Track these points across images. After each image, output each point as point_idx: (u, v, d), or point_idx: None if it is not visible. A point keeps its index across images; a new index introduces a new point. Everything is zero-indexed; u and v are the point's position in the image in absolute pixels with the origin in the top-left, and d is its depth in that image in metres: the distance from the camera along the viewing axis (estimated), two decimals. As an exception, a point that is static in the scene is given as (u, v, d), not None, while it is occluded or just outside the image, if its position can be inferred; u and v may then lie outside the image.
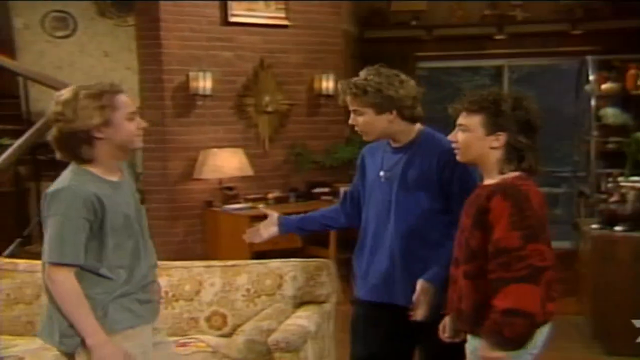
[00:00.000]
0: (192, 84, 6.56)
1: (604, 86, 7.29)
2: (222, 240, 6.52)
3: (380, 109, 2.97)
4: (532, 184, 2.59)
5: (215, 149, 6.61)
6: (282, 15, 7.12)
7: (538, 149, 2.63)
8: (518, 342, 2.45)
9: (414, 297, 2.90)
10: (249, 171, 6.76)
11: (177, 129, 6.61)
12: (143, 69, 6.68)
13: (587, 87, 7.49)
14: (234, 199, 6.69)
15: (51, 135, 2.65)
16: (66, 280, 2.57)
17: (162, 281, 3.84)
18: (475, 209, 2.56)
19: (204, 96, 6.61)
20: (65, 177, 2.65)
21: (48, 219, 2.60)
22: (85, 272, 2.62)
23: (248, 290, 3.91)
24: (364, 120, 3.02)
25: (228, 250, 6.17)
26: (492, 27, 8.44)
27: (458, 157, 2.68)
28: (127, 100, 2.68)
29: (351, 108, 3.04)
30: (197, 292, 3.94)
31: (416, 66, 8.67)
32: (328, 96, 7.30)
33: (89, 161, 2.65)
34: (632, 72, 7.05)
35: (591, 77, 7.37)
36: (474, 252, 2.55)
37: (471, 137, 2.62)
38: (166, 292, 3.85)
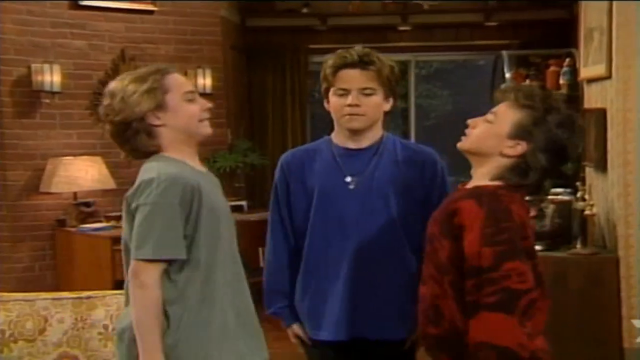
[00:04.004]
0: (36, 78, 6.45)
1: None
2: (78, 268, 6.41)
3: (388, 92, 3.05)
4: (517, 198, 2.55)
5: (67, 157, 6.52)
6: (148, -2, 7.08)
7: (553, 176, 2.65)
8: None
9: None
10: (110, 183, 6.67)
11: (19, 132, 6.47)
12: (-29, 57, 6.49)
13: (503, 86, 7.70)
14: (92, 217, 6.61)
15: (107, 132, 2.74)
16: (156, 285, 2.58)
17: (-2, 318, 3.76)
18: (445, 214, 2.55)
19: (52, 93, 6.51)
20: (152, 167, 2.65)
21: (138, 210, 2.60)
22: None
23: (106, 327, 3.80)
24: (374, 102, 3.03)
25: (85, 279, 6.10)
26: (395, 17, 8.59)
27: (462, 142, 2.63)
28: (181, 79, 2.76)
29: (368, 85, 3.01)
30: (42, 331, 3.81)
31: (310, 60, 8.74)
32: (206, 94, 7.25)
33: (156, 152, 2.69)
34: (552, 69, 7.27)
35: (507, 75, 7.57)
36: (442, 265, 2.53)
37: (493, 130, 2.57)
38: (2, 332, 3.73)
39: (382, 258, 3.04)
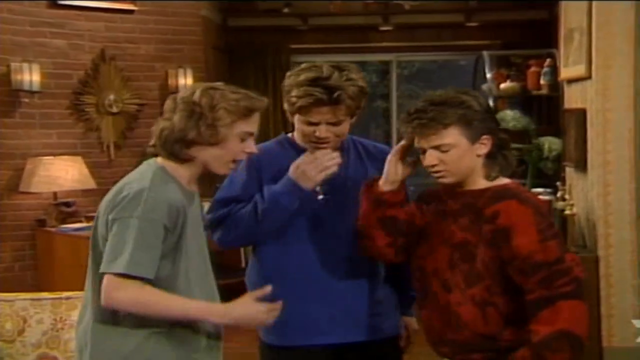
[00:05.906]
0: (15, 77, 6.41)
1: (502, 85, 7.51)
2: (58, 268, 6.36)
3: (355, 113, 2.90)
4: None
5: (47, 157, 6.49)
6: (128, -3, 7.06)
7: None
8: None
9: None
10: (90, 183, 6.64)
11: (-2, 132, 6.44)
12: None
13: (484, 87, 7.71)
14: (72, 217, 6.57)
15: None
16: (133, 298, 2.42)
17: (-24, 319, 3.73)
18: (474, 219, 2.54)
19: (31, 92, 6.46)
20: (145, 177, 2.53)
21: (119, 221, 2.47)
22: None
23: (85, 327, 3.80)
24: (342, 130, 2.89)
25: (65, 280, 6.01)
26: (376, 17, 8.61)
27: (446, 180, 2.58)
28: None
29: (338, 119, 2.85)
30: (21, 332, 3.79)
31: (292, 60, 8.74)
32: (186, 94, 7.23)
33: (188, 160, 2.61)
34: (533, 69, 7.30)
35: (488, 75, 7.59)
36: (480, 271, 2.52)
37: (459, 153, 2.53)
38: (-19, 333, 3.70)
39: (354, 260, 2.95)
